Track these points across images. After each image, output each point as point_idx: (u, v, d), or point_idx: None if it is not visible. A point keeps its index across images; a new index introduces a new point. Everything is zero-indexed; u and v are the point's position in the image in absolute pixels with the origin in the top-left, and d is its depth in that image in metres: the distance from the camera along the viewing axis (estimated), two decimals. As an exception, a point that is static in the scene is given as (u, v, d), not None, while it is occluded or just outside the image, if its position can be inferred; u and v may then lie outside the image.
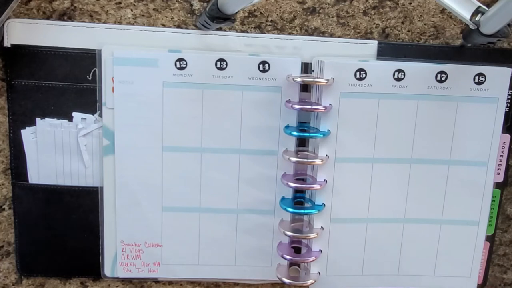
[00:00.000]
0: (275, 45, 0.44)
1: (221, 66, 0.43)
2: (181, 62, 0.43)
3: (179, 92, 0.43)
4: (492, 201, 0.46)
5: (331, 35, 0.45)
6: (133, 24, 0.43)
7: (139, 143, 0.44)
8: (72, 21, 0.43)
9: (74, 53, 0.43)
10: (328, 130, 0.43)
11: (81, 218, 0.46)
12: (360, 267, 0.47)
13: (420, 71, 0.43)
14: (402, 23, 0.45)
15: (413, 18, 0.45)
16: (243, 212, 0.46)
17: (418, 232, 0.46)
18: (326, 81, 0.41)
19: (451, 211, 0.46)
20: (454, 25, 0.45)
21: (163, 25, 0.44)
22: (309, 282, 0.45)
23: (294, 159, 0.42)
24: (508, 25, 0.38)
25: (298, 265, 0.48)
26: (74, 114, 0.44)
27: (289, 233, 0.44)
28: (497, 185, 0.47)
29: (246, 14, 0.44)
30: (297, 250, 0.46)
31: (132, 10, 0.43)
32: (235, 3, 0.37)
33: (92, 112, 0.44)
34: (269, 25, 0.44)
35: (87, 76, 0.43)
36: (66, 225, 0.46)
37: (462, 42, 0.45)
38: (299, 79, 0.41)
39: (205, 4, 0.43)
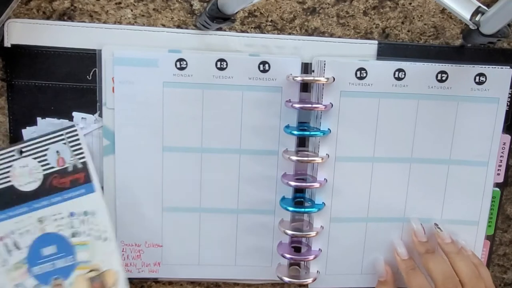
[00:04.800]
0: (275, 45, 0.44)
1: (221, 66, 0.43)
2: (181, 62, 0.43)
3: (179, 92, 0.43)
4: (492, 201, 0.46)
5: (331, 35, 0.45)
6: (133, 24, 0.43)
7: (139, 143, 0.44)
8: (72, 21, 0.43)
9: (74, 53, 0.43)
10: (328, 129, 0.43)
11: (81, 218, 0.46)
12: (359, 266, 0.47)
13: (421, 71, 0.43)
14: (402, 23, 0.45)
15: (413, 18, 0.45)
16: (243, 212, 0.46)
17: (418, 231, 0.46)
18: (326, 80, 0.41)
19: (450, 211, 0.46)
20: (454, 25, 0.46)
21: (163, 25, 0.44)
22: (309, 280, 0.45)
23: (294, 158, 0.43)
24: (508, 25, 0.38)
25: (298, 265, 0.48)
26: (74, 114, 0.44)
27: (289, 232, 0.44)
28: (497, 185, 0.47)
29: (246, 14, 0.44)
30: (297, 250, 0.47)
31: (132, 10, 0.43)
32: (235, 3, 0.37)
33: (92, 112, 0.44)
34: (269, 25, 0.44)
35: (87, 76, 0.43)
36: (66, 225, 0.46)
37: (462, 42, 0.45)
38: (299, 78, 0.41)
39: (205, 4, 0.43)
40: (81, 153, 0.42)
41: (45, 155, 0.42)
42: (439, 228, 0.45)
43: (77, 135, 0.42)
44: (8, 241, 0.41)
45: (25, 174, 0.41)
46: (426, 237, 0.44)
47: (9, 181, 0.42)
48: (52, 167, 0.42)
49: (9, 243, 0.41)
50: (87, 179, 0.42)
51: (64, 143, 0.41)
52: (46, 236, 0.41)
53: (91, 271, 0.41)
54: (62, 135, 0.42)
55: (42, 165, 0.42)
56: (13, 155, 0.42)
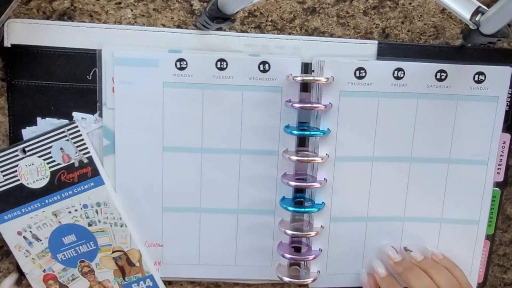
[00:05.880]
0: (275, 45, 0.44)
1: (221, 66, 0.43)
2: (181, 62, 0.43)
3: (179, 92, 0.43)
4: (492, 201, 0.46)
5: (331, 35, 0.45)
6: (133, 24, 0.44)
7: (139, 143, 0.44)
8: (72, 21, 0.43)
9: (74, 53, 0.43)
10: (328, 129, 0.43)
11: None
12: (360, 265, 0.47)
13: (420, 70, 0.43)
14: (402, 23, 0.45)
15: (413, 18, 0.45)
16: (243, 212, 0.46)
17: (417, 231, 0.46)
18: (326, 79, 0.41)
19: (450, 210, 0.46)
20: (454, 25, 0.46)
21: (163, 25, 0.44)
22: (309, 280, 0.45)
23: (294, 157, 0.43)
24: (508, 25, 0.38)
25: (298, 265, 0.48)
26: (74, 114, 0.44)
27: (290, 232, 0.44)
28: (497, 185, 0.47)
29: (246, 14, 0.44)
30: (297, 250, 0.47)
31: (132, 10, 0.43)
32: (235, 3, 0.37)
33: (92, 112, 0.44)
34: (269, 25, 0.44)
35: (87, 76, 0.43)
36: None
37: (462, 42, 0.45)
38: (299, 78, 0.41)
39: (205, 4, 0.43)
40: (85, 148, 0.43)
41: (49, 152, 0.43)
42: (408, 250, 0.46)
43: (78, 131, 0.43)
44: (26, 234, 0.44)
45: (32, 172, 0.43)
46: (401, 256, 0.45)
47: (17, 180, 0.43)
48: (58, 164, 0.43)
49: (28, 236, 0.44)
50: (95, 173, 0.44)
51: (67, 140, 0.42)
52: (63, 227, 0.44)
53: (114, 252, 0.45)
54: (63, 132, 0.43)
55: (48, 163, 0.43)
56: (17, 155, 0.43)
